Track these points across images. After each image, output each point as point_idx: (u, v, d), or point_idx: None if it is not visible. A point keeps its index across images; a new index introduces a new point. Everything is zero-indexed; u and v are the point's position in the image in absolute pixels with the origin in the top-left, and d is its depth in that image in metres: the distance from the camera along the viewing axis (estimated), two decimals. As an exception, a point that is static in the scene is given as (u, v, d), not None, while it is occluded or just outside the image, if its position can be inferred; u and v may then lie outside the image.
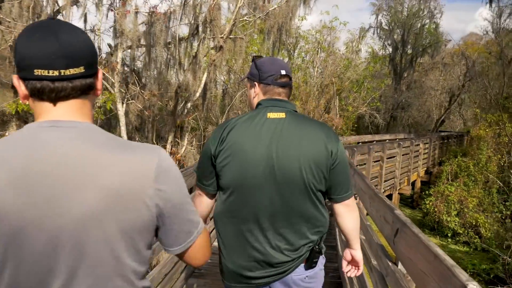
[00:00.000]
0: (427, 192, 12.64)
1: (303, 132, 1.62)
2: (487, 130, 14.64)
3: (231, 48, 9.40)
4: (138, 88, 8.82)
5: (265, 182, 1.60)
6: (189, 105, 9.09)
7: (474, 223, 11.45)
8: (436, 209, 11.74)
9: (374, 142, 15.12)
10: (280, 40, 10.87)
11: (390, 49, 28.34)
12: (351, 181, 1.75)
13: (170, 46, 10.28)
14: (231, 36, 9.17)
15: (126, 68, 10.81)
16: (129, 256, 0.93)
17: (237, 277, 1.72)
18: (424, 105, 31.69)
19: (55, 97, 0.91)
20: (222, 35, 9.08)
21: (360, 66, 22.53)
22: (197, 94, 9.06)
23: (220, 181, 1.67)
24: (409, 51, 28.45)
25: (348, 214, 1.76)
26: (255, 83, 1.77)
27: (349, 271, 1.95)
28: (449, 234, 11.86)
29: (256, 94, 1.78)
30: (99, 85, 1.00)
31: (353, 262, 1.92)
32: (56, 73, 0.88)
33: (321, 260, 1.77)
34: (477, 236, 11.40)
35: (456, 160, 13.65)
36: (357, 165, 8.41)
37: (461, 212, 11.70)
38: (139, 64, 11.32)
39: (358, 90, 20.75)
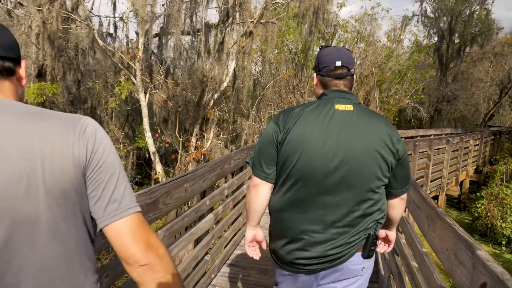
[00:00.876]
0: (478, 194, 11.35)
1: (371, 126, 1.64)
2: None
3: (262, 34, 8.61)
4: (162, 77, 8.22)
5: (333, 174, 1.62)
6: (215, 95, 8.38)
7: (533, 231, 10.15)
8: (489, 214, 10.48)
9: (418, 137, 13.88)
10: (316, 26, 9.96)
11: (436, 38, 26.56)
12: (411, 175, 1.80)
13: (199, 34, 9.60)
14: (262, 21, 8.37)
15: (152, 58, 10.24)
16: (64, 220, 0.95)
17: (292, 264, 1.76)
18: (472, 98, 29.66)
19: None
20: (252, 20, 8.29)
21: (402, 56, 21.09)
22: (224, 84, 8.33)
23: (283, 171, 1.68)
24: (456, 40, 26.55)
25: (402, 207, 1.86)
26: (315, 74, 1.83)
27: (380, 247, 2.06)
28: (504, 242, 10.56)
29: (316, 84, 1.84)
30: (22, 73, 1.07)
31: (386, 239, 2.03)
32: None
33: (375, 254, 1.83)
34: (536, 246, 10.10)
35: (512, 158, 12.25)
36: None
37: (519, 218, 10.40)
38: (170, 54, 10.75)
39: (400, 82, 19.36)
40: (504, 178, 12.09)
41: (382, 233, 2.02)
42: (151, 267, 0.98)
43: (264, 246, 2.03)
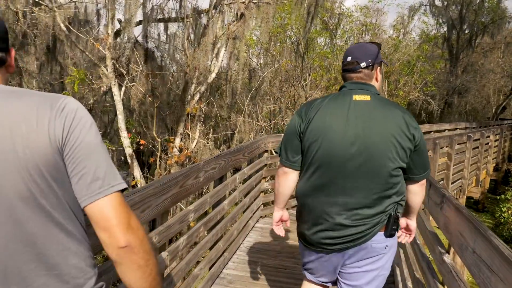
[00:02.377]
0: (503, 196, 10.05)
1: (388, 115, 1.72)
2: None
3: (257, 16, 7.39)
4: (140, 68, 7.03)
5: (351, 160, 1.72)
6: (202, 88, 7.17)
7: None
8: (515, 219, 9.22)
9: (432, 133, 12.60)
10: (316, 10, 8.71)
11: (445, 28, 25.09)
12: (428, 162, 1.84)
13: (188, 20, 8.37)
14: (254, 1, 7.16)
15: (137, 47, 9.03)
16: (43, 197, 0.94)
17: (318, 244, 1.86)
18: (483, 90, 28.25)
19: None
20: (244, 0, 7.09)
21: (411, 46, 19.75)
22: (213, 75, 7.12)
23: (307, 158, 1.82)
24: (467, 30, 25.09)
25: (421, 193, 1.92)
26: None
27: (401, 237, 2.11)
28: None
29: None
30: (11, 61, 1.08)
31: (406, 229, 2.09)
32: None
33: (397, 234, 1.87)
34: None
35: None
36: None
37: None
38: (157, 43, 9.51)
39: (409, 73, 18.00)
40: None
41: (403, 222, 2.06)
42: (131, 248, 0.97)
43: (288, 224, 2.19)
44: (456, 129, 14.87)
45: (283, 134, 1.93)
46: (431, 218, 3.02)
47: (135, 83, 7.05)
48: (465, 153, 9.11)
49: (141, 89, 6.89)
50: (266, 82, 9.37)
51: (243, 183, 4.90)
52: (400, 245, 3.45)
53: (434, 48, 24.86)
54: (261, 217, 5.75)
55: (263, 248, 4.63)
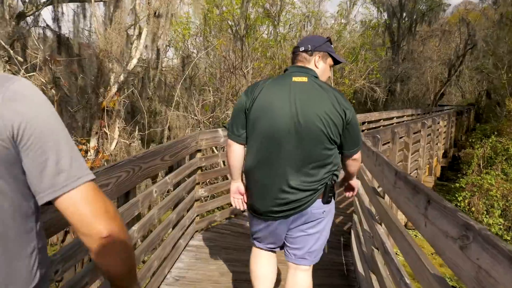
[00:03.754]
0: (457, 184, 9.53)
1: (322, 94, 1.89)
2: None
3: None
4: (43, 54, 5.54)
5: (290, 134, 1.88)
6: (121, 77, 5.80)
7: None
8: (473, 208, 8.70)
9: (381, 120, 12.00)
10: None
11: (386, 16, 24.99)
12: (360, 139, 2.04)
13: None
14: (181, -30, 5.90)
15: (45, 32, 7.42)
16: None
17: (265, 213, 2.03)
18: (422, 78, 28.76)
19: None
20: (168, -31, 5.80)
21: (354, 34, 19.26)
22: (134, 61, 5.79)
23: (251, 133, 1.97)
24: (406, 18, 25.18)
25: (355, 164, 2.12)
26: None
27: (347, 193, 2.38)
28: (490, 239, 8.88)
29: None
30: None
31: (349, 187, 2.34)
32: None
33: (333, 201, 2.08)
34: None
35: (490, 141, 10.53)
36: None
37: (507, 212, 8.71)
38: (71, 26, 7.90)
39: (354, 60, 17.42)
40: (481, 164, 10.40)
41: (346, 184, 2.33)
42: (112, 237, 0.93)
43: (245, 198, 2.21)
44: (403, 116, 14.47)
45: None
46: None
47: (36, 73, 5.56)
48: (420, 141, 8.46)
49: (42, 79, 5.41)
50: (201, 69, 8.14)
51: (169, 193, 3.70)
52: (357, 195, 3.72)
53: (376, 37, 24.71)
54: (197, 231, 4.57)
55: (198, 275, 3.48)
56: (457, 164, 14.77)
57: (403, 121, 14.28)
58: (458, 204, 9.06)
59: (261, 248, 2.26)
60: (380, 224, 2.76)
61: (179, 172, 3.82)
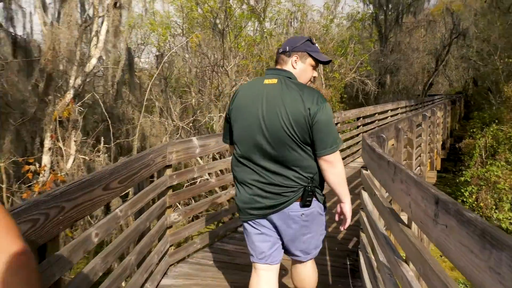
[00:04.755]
0: (462, 178, 8.66)
1: (287, 95, 1.87)
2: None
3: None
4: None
5: (259, 137, 1.90)
6: (78, 81, 4.81)
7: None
8: (482, 204, 7.86)
9: (376, 114, 11.13)
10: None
11: (372, 8, 24.16)
12: (334, 139, 1.90)
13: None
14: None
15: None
16: None
17: (244, 212, 2.04)
18: (411, 68, 28.13)
19: None
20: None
21: (343, 26, 18.41)
22: (93, 62, 4.84)
23: (232, 136, 2.04)
24: (393, 9, 24.40)
25: (329, 169, 1.94)
26: None
27: (343, 224, 2.13)
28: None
29: None
30: None
31: (340, 213, 2.11)
32: None
33: (318, 205, 2.02)
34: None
35: (491, 129, 9.68)
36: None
37: (518, 205, 7.87)
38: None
39: (344, 54, 16.54)
40: (483, 154, 9.55)
41: (338, 207, 2.12)
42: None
43: None
44: (397, 108, 13.63)
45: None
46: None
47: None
48: (422, 135, 7.59)
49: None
50: (178, 68, 7.19)
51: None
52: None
53: (363, 30, 23.91)
54: (171, 265, 3.64)
55: None
56: (454, 154, 13.98)
57: (397, 113, 13.47)
58: (465, 200, 8.21)
59: (258, 263, 2.15)
60: (407, 263, 2.06)
61: (139, 199, 2.90)
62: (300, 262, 2.16)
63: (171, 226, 3.58)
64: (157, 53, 7.03)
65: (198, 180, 4.75)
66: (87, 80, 5.20)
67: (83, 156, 4.76)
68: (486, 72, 17.76)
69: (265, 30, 16.08)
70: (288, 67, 2.01)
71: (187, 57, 9.19)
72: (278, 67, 2.02)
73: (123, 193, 2.85)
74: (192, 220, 3.92)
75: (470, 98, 28.46)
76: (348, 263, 3.67)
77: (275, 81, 1.92)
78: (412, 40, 28.98)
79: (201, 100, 7.99)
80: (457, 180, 8.88)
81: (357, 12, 18.17)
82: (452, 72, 35.68)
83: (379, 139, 4.37)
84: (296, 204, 1.94)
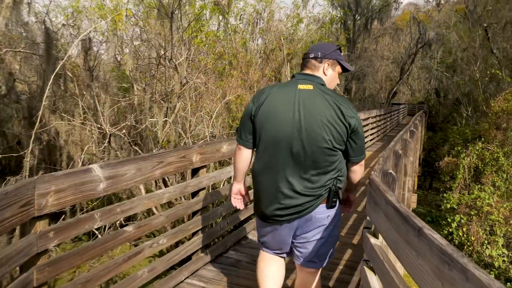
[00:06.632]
0: (447, 205, 7.40)
1: (325, 102, 1.85)
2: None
3: None
4: None
5: (293, 141, 1.87)
6: None
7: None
8: (473, 238, 6.63)
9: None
10: None
11: (341, 13, 23.12)
12: (364, 145, 1.98)
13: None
14: None
15: None
16: None
17: (270, 217, 1.99)
18: (376, 76, 27.53)
19: None
20: None
21: (312, 28, 17.14)
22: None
23: (258, 139, 1.96)
24: (362, 15, 23.50)
25: (360, 170, 2.05)
26: None
27: (343, 209, 2.21)
28: (492, 274, 6.88)
29: None
30: None
31: (347, 201, 2.22)
32: None
33: (339, 206, 2.03)
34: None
35: (476, 148, 8.56)
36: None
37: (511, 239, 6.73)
38: None
39: (312, 56, 15.18)
40: (466, 176, 8.39)
41: (345, 195, 2.18)
42: None
43: (247, 198, 2.29)
44: (368, 118, 12.45)
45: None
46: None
47: None
48: (409, 156, 6.27)
49: None
50: (107, 58, 5.49)
51: None
52: None
53: (330, 34, 22.85)
54: None
55: None
56: (425, 166, 12.97)
57: (368, 123, 12.31)
58: (452, 231, 6.97)
59: (268, 253, 2.21)
60: None
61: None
62: (308, 270, 2.08)
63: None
64: (84, 38, 5.23)
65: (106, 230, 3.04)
66: None
67: None
68: (453, 83, 17.05)
69: (229, 25, 14.59)
70: (319, 73, 2.01)
71: (135, 46, 7.41)
72: (309, 72, 2.01)
73: None
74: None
75: (432, 109, 28.28)
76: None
77: (310, 87, 1.91)
78: (378, 48, 28.50)
79: (143, 100, 6.26)
80: (442, 207, 7.63)
81: (328, 13, 16.92)
82: (414, 81, 35.65)
83: (387, 178, 2.89)
84: (322, 206, 1.95)
